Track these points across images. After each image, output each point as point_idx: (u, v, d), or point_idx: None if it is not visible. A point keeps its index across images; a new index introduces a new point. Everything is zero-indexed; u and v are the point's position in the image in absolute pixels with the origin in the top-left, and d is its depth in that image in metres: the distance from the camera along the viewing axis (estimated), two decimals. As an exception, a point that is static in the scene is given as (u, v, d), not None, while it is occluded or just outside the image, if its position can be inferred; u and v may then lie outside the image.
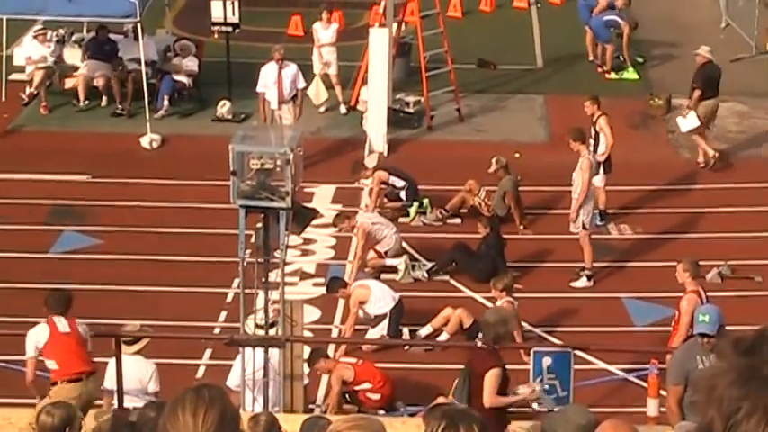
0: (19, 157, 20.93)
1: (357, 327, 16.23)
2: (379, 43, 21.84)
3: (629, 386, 14.74)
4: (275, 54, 21.13)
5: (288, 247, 12.20)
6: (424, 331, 16.17)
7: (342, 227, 17.89)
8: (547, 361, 12.97)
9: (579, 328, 16.44)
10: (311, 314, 16.11)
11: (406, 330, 16.29)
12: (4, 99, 23.41)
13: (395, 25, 22.84)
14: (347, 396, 14.62)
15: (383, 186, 19.54)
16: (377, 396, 14.55)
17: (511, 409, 12.31)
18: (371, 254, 17.92)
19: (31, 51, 23.29)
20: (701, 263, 15.01)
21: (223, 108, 22.77)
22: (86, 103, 23.13)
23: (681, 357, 11.53)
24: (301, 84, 21.34)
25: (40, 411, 9.48)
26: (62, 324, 12.27)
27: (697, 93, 20.94)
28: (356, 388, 14.56)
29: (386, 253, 17.91)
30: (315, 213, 13.43)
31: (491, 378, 11.77)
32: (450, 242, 18.26)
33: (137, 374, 12.64)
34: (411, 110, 22.81)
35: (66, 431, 9.20)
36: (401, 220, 19.20)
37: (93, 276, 17.29)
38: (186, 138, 22.06)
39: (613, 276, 17.88)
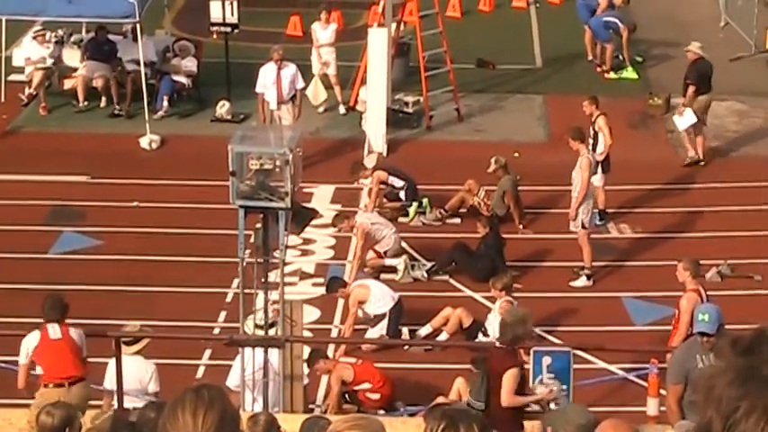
0: (18, 157, 20.93)
1: (356, 327, 16.23)
2: (377, 43, 21.83)
3: (629, 385, 14.74)
4: (274, 54, 21.13)
5: (287, 247, 12.20)
6: (424, 331, 16.17)
7: (341, 227, 17.89)
8: (546, 360, 12.96)
9: (579, 327, 16.44)
10: (311, 314, 16.11)
11: (405, 330, 16.29)
12: (3, 100, 23.40)
13: (394, 25, 22.84)
14: (347, 396, 14.62)
15: (382, 186, 19.54)
16: (376, 396, 14.55)
17: (528, 409, 12.37)
18: (371, 254, 17.92)
19: (30, 52, 23.29)
20: (700, 262, 15.02)
21: (222, 108, 22.77)
22: (86, 103, 23.13)
23: (680, 356, 11.53)
24: (300, 84, 21.34)
25: (40, 411, 9.49)
26: (54, 330, 12.17)
27: (691, 89, 20.98)
28: (356, 388, 14.56)
29: (385, 253, 17.92)
30: (314, 213, 13.44)
31: (509, 378, 11.86)
32: (449, 242, 18.27)
33: (137, 375, 12.64)
34: (410, 110, 22.81)
35: (66, 431, 9.21)
36: (400, 219, 19.21)
37: (93, 277, 17.29)
38: (185, 138, 22.06)
39: (613, 276, 17.88)
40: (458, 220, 19.39)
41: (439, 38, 22.87)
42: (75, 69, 23.52)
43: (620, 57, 25.26)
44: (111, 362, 12.62)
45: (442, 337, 16.06)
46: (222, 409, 3.79)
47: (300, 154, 12.04)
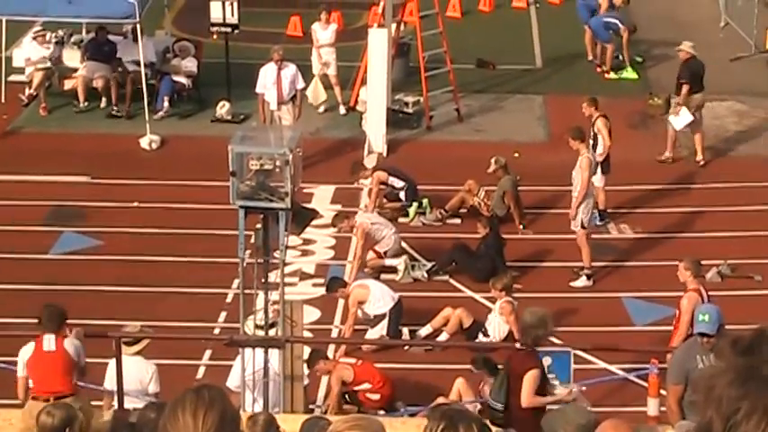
0: (18, 158, 20.93)
1: (357, 327, 16.23)
2: (378, 43, 21.83)
3: (629, 386, 14.73)
4: (274, 55, 21.13)
5: (287, 247, 12.20)
6: (424, 331, 16.17)
7: (341, 227, 17.89)
8: (547, 361, 12.96)
9: (579, 327, 16.43)
10: (311, 315, 16.11)
11: (405, 330, 16.29)
12: (3, 100, 23.40)
13: (394, 25, 22.84)
14: (347, 396, 14.62)
15: (382, 187, 19.53)
16: (377, 396, 14.55)
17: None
18: (371, 254, 17.92)
19: (30, 52, 23.29)
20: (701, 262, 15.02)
21: (222, 109, 22.77)
22: (86, 104, 23.13)
23: (680, 357, 11.53)
24: (300, 84, 21.34)
25: (40, 411, 9.48)
26: (49, 342, 12.00)
27: (685, 88, 21.00)
28: (356, 388, 14.56)
29: (385, 253, 17.91)
30: (314, 214, 13.43)
31: (530, 379, 11.90)
32: (449, 242, 18.26)
33: (137, 375, 12.63)
34: (410, 110, 22.81)
35: (66, 431, 9.20)
36: (400, 220, 19.21)
37: (93, 277, 17.30)
38: (185, 138, 22.06)
39: (613, 276, 17.88)
40: (458, 221, 19.39)
41: (439, 38, 22.87)
42: (76, 70, 23.52)
43: (620, 57, 25.27)
44: (112, 362, 12.60)
45: (443, 337, 16.06)
46: (222, 410, 3.79)
47: (300, 154, 12.04)
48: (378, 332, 16.15)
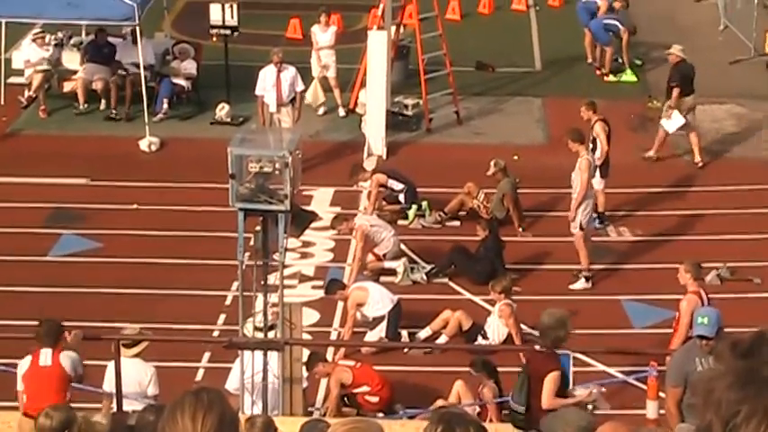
0: (18, 160, 20.94)
1: (356, 329, 16.22)
2: (377, 46, 21.84)
3: (629, 388, 14.73)
4: (274, 57, 21.14)
5: (287, 249, 12.20)
6: (423, 334, 16.17)
7: (340, 229, 17.89)
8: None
9: (578, 330, 16.37)
10: (310, 317, 16.10)
11: (404, 333, 16.29)
12: (2, 102, 23.38)
13: (393, 28, 22.84)
14: (346, 399, 14.61)
15: (382, 189, 19.53)
16: (375, 399, 14.54)
17: None
18: (370, 256, 17.92)
19: (29, 54, 23.29)
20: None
21: (222, 111, 22.77)
22: (85, 106, 23.13)
23: (680, 359, 11.53)
24: (300, 87, 21.34)
25: (39, 414, 9.48)
26: (45, 357, 11.89)
27: (676, 91, 21.01)
28: (355, 391, 14.55)
29: (384, 255, 17.91)
30: (313, 216, 13.43)
31: (551, 381, 11.97)
32: (448, 245, 18.26)
33: (136, 378, 12.63)
34: (410, 112, 22.81)
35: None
36: (400, 222, 19.21)
37: (93, 279, 17.30)
38: (185, 141, 22.06)
39: (612, 278, 17.88)
40: (457, 223, 19.39)
41: (438, 41, 22.88)
42: (75, 72, 23.53)
43: (620, 60, 25.28)
44: (111, 365, 12.60)
45: (442, 339, 16.06)
46: (221, 412, 3.79)
47: (300, 157, 12.04)
48: (377, 334, 16.15)
